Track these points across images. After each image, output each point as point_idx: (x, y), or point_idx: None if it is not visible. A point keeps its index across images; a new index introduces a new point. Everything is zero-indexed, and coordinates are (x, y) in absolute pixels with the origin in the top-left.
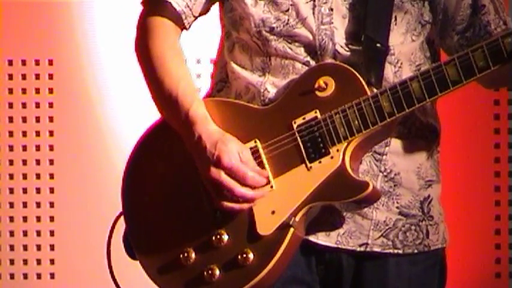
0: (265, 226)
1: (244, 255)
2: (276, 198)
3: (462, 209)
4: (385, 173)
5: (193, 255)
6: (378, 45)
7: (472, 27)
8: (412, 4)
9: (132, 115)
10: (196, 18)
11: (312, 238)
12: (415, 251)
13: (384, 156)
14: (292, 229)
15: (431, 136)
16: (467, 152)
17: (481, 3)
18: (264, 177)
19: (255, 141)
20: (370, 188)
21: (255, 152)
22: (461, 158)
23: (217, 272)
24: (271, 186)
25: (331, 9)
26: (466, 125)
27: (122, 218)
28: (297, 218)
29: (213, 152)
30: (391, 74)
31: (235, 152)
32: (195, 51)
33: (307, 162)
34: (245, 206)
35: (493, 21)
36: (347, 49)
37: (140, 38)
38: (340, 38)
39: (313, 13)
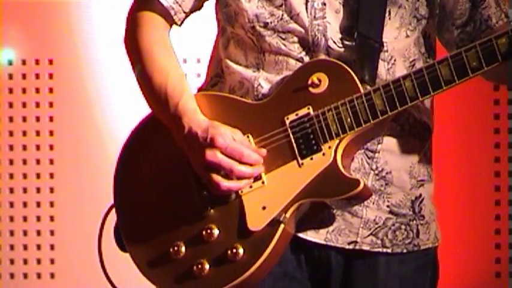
0: (255, 222)
1: (234, 251)
2: (267, 194)
3: (462, 209)
4: (376, 171)
5: (183, 249)
6: (372, 41)
7: (472, 22)
8: None
9: (133, 115)
10: (188, 14)
11: (301, 234)
12: (405, 250)
13: (376, 154)
14: (282, 225)
15: (425, 134)
16: (467, 151)
17: None
18: (261, 155)
19: (248, 136)
20: (361, 185)
21: None
22: (461, 158)
23: (206, 266)
24: (263, 182)
25: (324, 4)
26: (466, 125)
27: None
28: (288, 215)
29: (205, 136)
30: (383, 71)
31: (228, 133)
32: (195, 51)
33: (299, 158)
34: (244, 184)
35: (494, 15)
36: (340, 45)
37: (129, 31)
38: (333, 34)
39: (306, 8)
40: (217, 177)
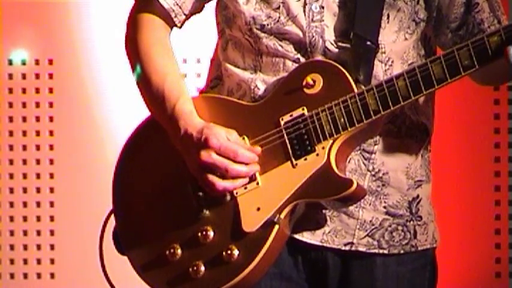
0: (250, 223)
1: (229, 252)
2: (261, 195)
3: (462, 209)
4: (373, 172)
5: (179, 251)
6: (368, 43)
7: (465, 25)
8: (405, 2)
9: (132, 115)
10: (188, 16)
11: (297, 236)
12: (401, 251)
13: (373, 155)
14: (277, 226)
15: (422, 136)
16: (467, 151)
17: (474, 1)
18: (255, 153)
19: (244, 138)
20: (354, 186)
21: None
22: (461, 158)
23: (202, 268)
24: (257, 183)
25: (322, 7)
26: (466, 125)
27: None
28: (282, 216)
29: (199, 136)
30: (381, 73)
31: (222, 133)
32: (194, 51)
33: (293, 159)
34: (239, 183)
35: (487, 20)
36: (337, 46)
37: (129, 33)
38: (330, 36)
39: (304, 11)
40: (212, 177)
